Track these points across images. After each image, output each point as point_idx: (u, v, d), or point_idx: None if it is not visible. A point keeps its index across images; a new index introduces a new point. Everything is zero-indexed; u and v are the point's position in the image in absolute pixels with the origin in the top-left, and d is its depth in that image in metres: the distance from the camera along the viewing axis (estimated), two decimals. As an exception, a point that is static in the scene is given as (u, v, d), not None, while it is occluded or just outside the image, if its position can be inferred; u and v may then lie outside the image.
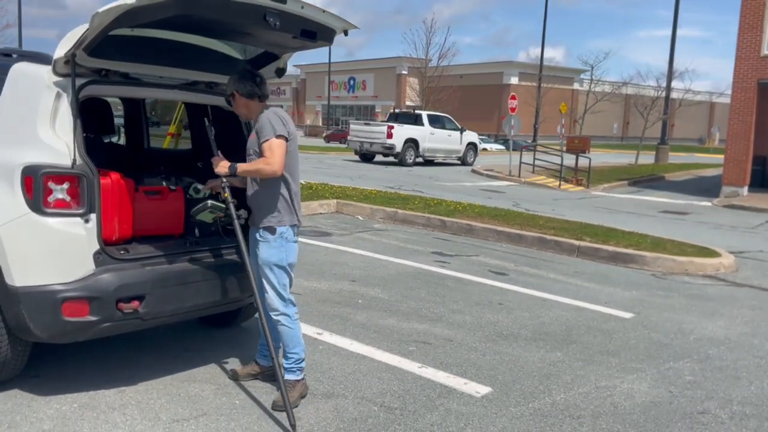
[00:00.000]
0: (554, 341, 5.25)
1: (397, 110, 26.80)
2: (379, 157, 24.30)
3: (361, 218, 11.14)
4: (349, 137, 22.16)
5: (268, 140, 3.61)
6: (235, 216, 3.71)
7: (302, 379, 3.90)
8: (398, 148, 21.46)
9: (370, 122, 25.75)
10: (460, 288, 6.78)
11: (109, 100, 4.89)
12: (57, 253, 3.39)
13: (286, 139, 3.67)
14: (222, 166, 3.73)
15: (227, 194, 3.72)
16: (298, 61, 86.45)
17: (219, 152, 3.83)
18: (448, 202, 12.32)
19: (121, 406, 3.62)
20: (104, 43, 3.53)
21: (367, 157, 21.30)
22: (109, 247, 3.65)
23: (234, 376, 4.09)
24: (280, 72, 4.38)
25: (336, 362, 4.50)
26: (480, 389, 4.20)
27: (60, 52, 3.45)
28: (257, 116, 3.76)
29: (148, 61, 3.89)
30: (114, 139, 5.87)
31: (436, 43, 49.38)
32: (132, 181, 3.93)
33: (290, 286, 3.90)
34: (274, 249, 3.76)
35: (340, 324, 5.32)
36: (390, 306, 5.94)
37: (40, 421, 3.38)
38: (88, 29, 3.29)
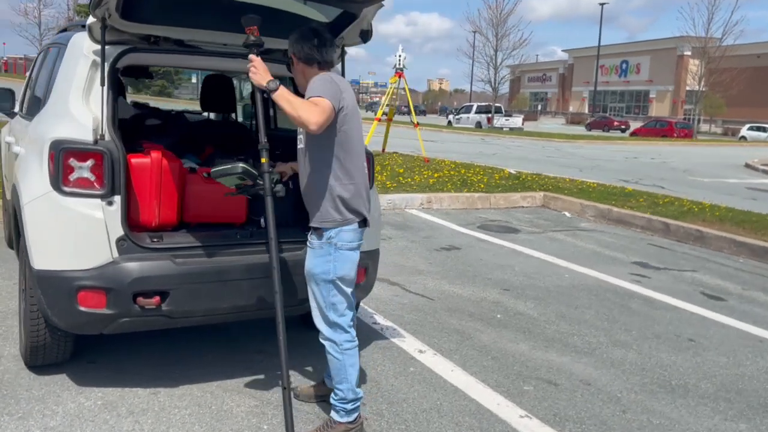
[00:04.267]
0: (745, 405, 3.75)
1: None
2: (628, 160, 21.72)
3: (568, 215, 9.80)
4: None
5: (315, 98, 2.83)
6: (269, 190, 2.99)
7: (351, 422, 3.10)
8: None
9: None
10: (646, 312, 5.35)
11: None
12: (75, 236, 3.11)
13: (336, 110, 2.87)
14: (260, 74, 2.86)
15: (265, 159, 3.01)
16: (567, 45, 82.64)
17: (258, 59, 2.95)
18: (683, 201, 10.28)
19: (141, 411, 3.25)
20: (146, 5, 3.15)
21: None
22: (140, 234, 3.29)
23: (296, 395, 3.48)
24: (365, 35, 3.63)
25: (417, 393, 3.65)
26: (588, 464, 3.05)
27: (92, 16, 3.14)
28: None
29: (207, 26, 3.44)
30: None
31: (721, 18, 43.16)
32: (179, 161, 3.52)
33: (348, 306, 3.08)
34: (318, 258, 3.01)
35: (455, 343, 4.42)
36: (533, 326, 4.84)
37: (52, 416, 3.15)
38: None
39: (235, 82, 5.29)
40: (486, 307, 5.20)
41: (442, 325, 4.72)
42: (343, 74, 3.83)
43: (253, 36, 2.97)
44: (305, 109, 2.77)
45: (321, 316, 3.08)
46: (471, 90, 66.82)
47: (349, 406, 3.08)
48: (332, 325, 3.06)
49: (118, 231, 3.15)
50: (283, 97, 2.81)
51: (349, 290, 3.09)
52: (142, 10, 3.15)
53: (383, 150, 13.88)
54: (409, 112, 13.12)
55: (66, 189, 3.08)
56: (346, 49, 3.82)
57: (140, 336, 3.96)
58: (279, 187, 3.06)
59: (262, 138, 2.97)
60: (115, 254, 3.15)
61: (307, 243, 3.10)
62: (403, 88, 13.21)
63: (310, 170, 3.02)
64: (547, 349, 4.43)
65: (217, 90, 4.81)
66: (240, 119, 5.96)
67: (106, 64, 3.22)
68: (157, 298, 3.16)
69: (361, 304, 4.98)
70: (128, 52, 3.27)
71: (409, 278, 5.83)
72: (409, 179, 10.61)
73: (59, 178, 3.07)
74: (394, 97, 13.62)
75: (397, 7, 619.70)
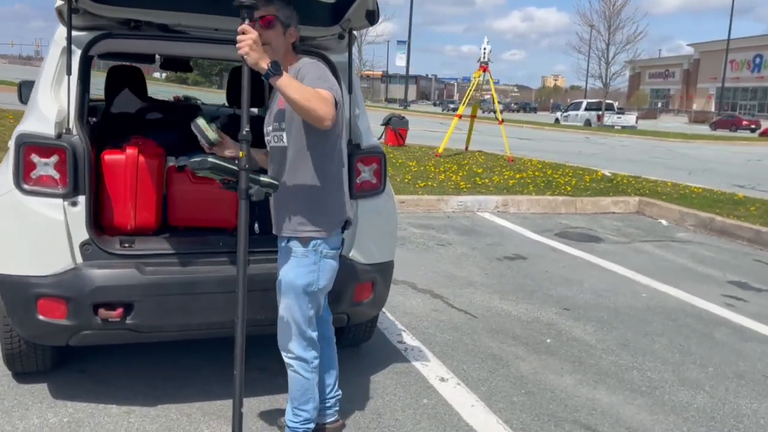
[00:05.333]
0: (841, 479, 2.94)
1: None
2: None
3: (664, 223, 8.80)
4: None
5: (321, 87, 2.42)
6: (244, 192, 2.43)
7: None
8: None
9: None
10: (732, 345, 4.51)
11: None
12: (35, 239, 2.85)
13: (337, 103, 2.48)
14: (258, 51, 2.28)
15: (243, 154, 2.40)
16: (693, 39, 77.49)
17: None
18: (804, 212, 8.97)
19: (105, 432, 2.96)
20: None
21: None
22: (111, 239, 3.01)
23: (279, 426, 3.09)
24: (371, 16, 3.14)
25: (421, 430, 3.14)
26: None
27: (60, -3, 2.86)
28: (291, 63, 2.60)
29: (194, 9, 3.08)
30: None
31: None
32: (160, 159, 3.19)
33: (317, 317, 2.75)
34: (302, 267, 2.64)
35: (486, 371, 3.84)
36: (587, 356, 4.16)
37: (11, 432, 2.92)
38: None
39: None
40: (536, 329, 4.56)
41: (477, 349, 4.16)
42: (350, 62, 3.39)
43: None
44: (319, 101, 2.33)
45: (296, 332, 2.70)
46: (586, 86, 64.03)
47: (311, 426, 2.79)
48: (307, 341, 2.72)
49: (83, 234, 2.87)
50: (291, 84, 2.31)
51: (324, 301, 2.80)
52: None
53: (466, 148, 13.25)
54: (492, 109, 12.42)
55: (27, 187, 2.83)
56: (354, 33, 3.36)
57: (150, 345, 3.68)
58: (254, 189, 2.51)
59: (245, 126, 2.39)
60: (79, 260, 2.87)
61: (288, 252, 2.67)
62: (488, 83, 12.52)
63: (298, 172, 2.60)
64: (597, 384, 3.76)
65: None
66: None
67: (78, 51, 2.96)
68: (120, 310, 2.85)
69: (392, 318, 4.53)
70: (103, 38, 2.98)
71: (456, 291, 5.28)
72: (487, 180, 9.96)
73: (20, 176, 2.83)
74: (481, 92, 12.94)
75: (512, 3, 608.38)
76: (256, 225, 3.38)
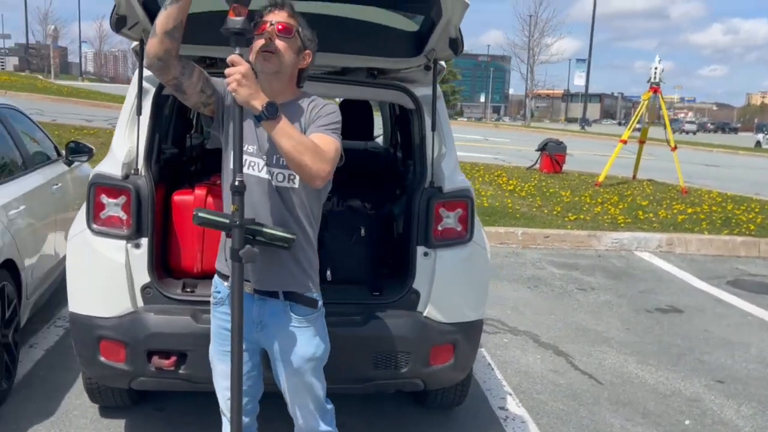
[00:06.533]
0: None
1: None
2: None
3: None
4: None
5: (329, 136, 2.09)
6: (234, 252, 2.01)
7: None
8: None
9: None
10: None
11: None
12: (101, 280, 2.83)
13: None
14: (251, 87, 1.94)
15: (236, 207, 2.01)
16: None
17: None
18: None
19: (159, 485, 2.85)
20: (194, 22, 2.76)
21: None
22: (174, 282, 2.92)
23: None
24: (455, 45, 2.78)
25: None
26: None
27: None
28: (290, 94, 2.21)
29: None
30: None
31: None
32: (229, 199, 3.05)
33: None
34: (319, 335, 2.30)
35: (598, 456, 3.24)
36: (734, 448, 3.38)
37: (72, 472, 2.91)
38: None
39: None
40: (674, 406, 3.82)
41: (594, 425, 3.54)
42: (434, 96, 3.04)
43: (240, 20, 1.94)
44: (314, 155, 1.99)
45: (320, 409, 2.39)
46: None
47: None
48: (328, 413, 2.44)
49: (144, 278, 2.80)
50: (285, 131, 1.97)
51: None
52: (190, 29, 2.74)
53: (633, 177, 12.10)
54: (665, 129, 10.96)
55: (95, 227, 2.82)
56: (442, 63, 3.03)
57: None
58: (246, 249, 2.02)
59: (237, 174, 2.00)
60: (140, 303, 2.81)
61: (294, 323, 2.24)
62: (660, 106, 11.34)
63: (306, 219, 2.22)
64: (741, 491, 3.00)
65: (355, 116, 4.29)
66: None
67: (152, 89, 2.92)
68: (173, 359, 2.74)
69: (500, 377, 4.07)
70: (176, 76, 2.91)
71: (585, 348, 4.63)
72: (651, 214, 8.91)
73: (90, 216, 2.84)
74: (649, 115, 11.78)
75: (713, 15, 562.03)
76: (328, 271, 3.13)
